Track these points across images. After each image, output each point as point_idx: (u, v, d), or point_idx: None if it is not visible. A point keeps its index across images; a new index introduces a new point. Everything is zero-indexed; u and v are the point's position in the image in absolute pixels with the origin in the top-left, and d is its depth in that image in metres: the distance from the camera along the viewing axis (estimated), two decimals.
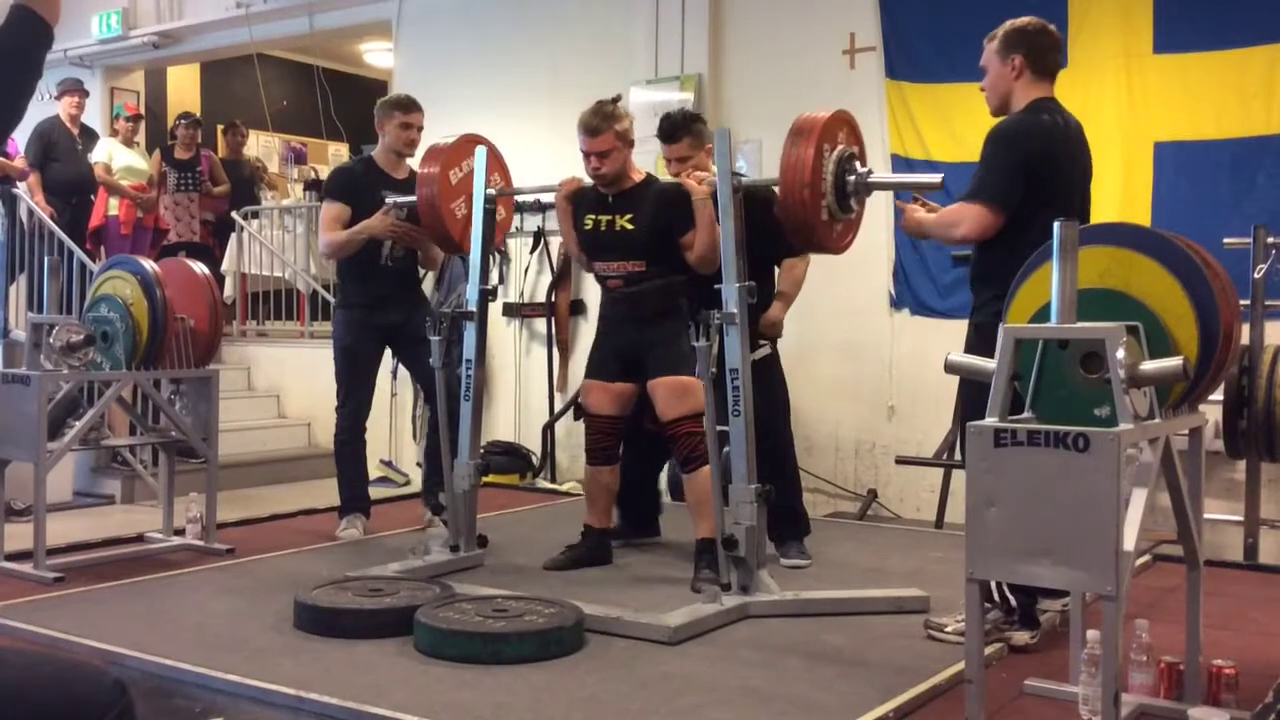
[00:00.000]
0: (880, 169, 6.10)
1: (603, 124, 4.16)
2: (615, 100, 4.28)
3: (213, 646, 3.27)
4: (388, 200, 4.79)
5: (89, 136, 8.37)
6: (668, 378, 4.09)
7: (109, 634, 3.36)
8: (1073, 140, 3.47)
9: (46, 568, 4.15)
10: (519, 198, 5.05)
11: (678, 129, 4.40)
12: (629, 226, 4.19)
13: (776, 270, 4.51)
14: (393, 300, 4.88)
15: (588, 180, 4.34)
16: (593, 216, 4.29)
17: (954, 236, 3.46)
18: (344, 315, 5.01)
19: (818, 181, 3.46)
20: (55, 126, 8.23)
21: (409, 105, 4.94)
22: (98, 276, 4.73)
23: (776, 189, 3.61)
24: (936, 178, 3.64)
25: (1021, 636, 3.26)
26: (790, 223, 3.54)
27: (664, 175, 4.59)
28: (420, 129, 4.97)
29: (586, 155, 4.19)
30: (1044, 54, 3.48)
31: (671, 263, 4.16)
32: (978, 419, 2.41)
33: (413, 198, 4.63)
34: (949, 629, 3.30)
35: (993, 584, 3.22)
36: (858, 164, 3.60)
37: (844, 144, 3.58)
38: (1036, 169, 3.32)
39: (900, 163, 6.06)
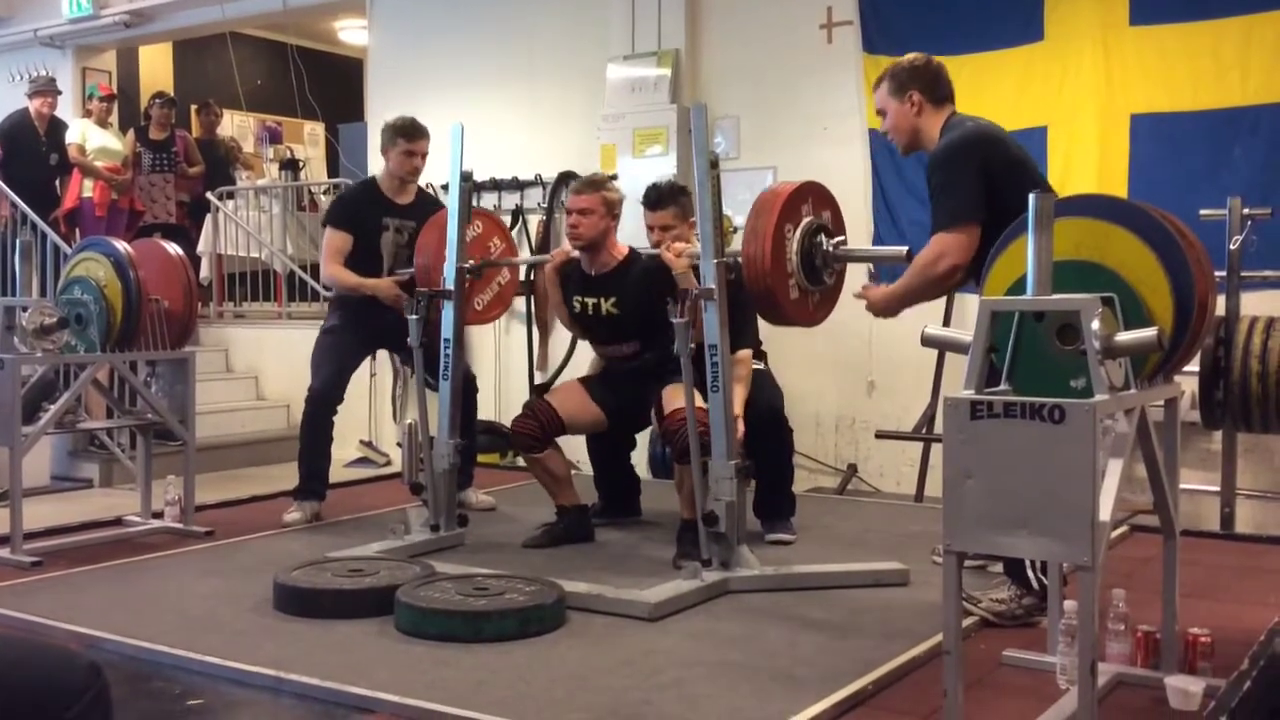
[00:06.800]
0: (858, 144, 6.11)
1: (590, 186, 4.31)
2: (611, 177, 4.37)
3: (192, 629, 3.26)
4: (399, 238, 4.81)
5: (55, 130, 8.28)
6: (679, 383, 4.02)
7: (87, 618, 3.34)
8: (1005, 135, 3.47)
9: (24, 552, 4.12)
10: (497, 175, 5.10)
11: (664, 198, 4.38)
12: (614, 311, 4.26)
13: None
14: (391, 310, 4.69)
15: (576, 253, 4.37)
16: (580, 299, 4.40)
17: (939, 270, 3.31)
18: (339, 308, 4.96)
19: (780, 262, 3.39)
20: (22, 124, 8.17)
21: (413, 133, 4.80)
22: (71, 259, 4.69)
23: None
24: (902, 251, 3.59)
25: (1044, 623, 3.23)
26: (759, 303, 3.53)
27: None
28: (425, 155, 4.86)
29: (569, 213, 4.30)
30: (936, 84, 3.50)
31: (664, 336, 3.99)
32: None
33: (411, 270, 4.62)
34: (981, 605, 3.27)
35: (1027, 567, 3.22)
36: (825, 236, 3.52)
37: (811, 216, 3.51)
38: (991, 173, 3.29)
39: (877, 138, 6.04)
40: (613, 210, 4.32)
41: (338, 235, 4.83)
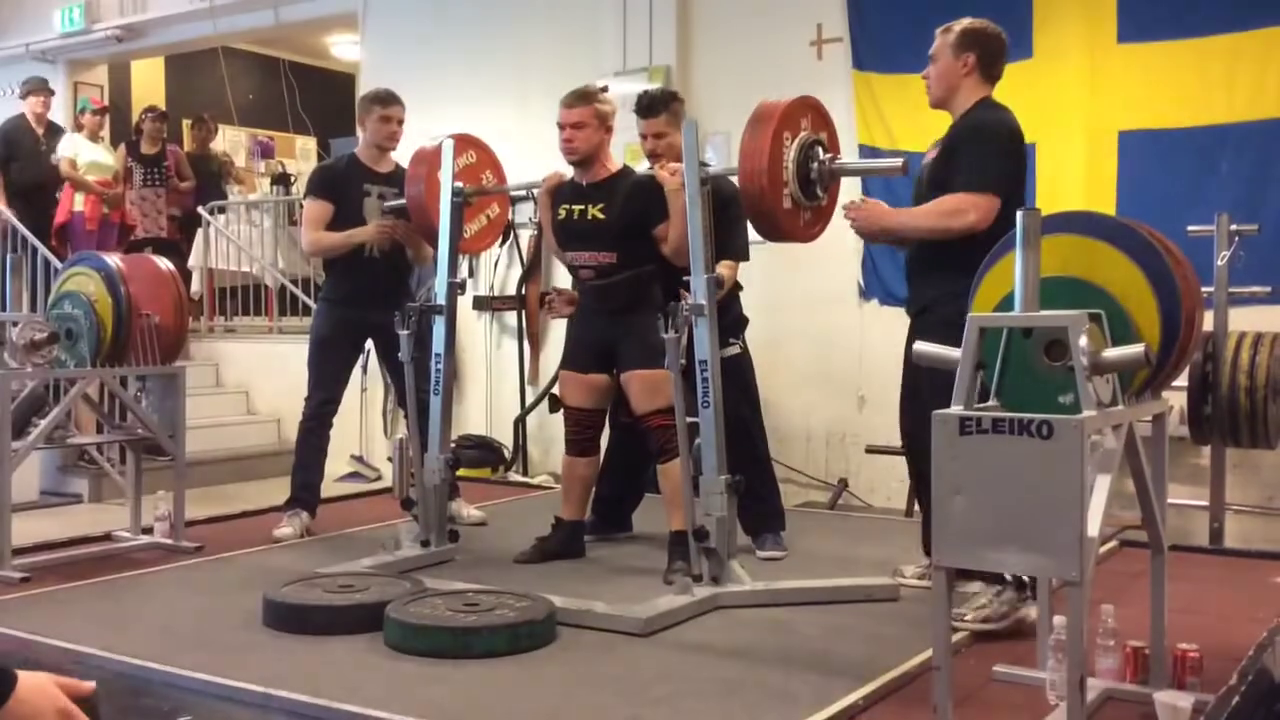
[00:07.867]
0: (849, 159, 6.12)
1: (582, 99, 4.22)
2: (602, 89, 4.35)
3: (181, 645, 3.24)
4: (382, 203, 4.81)
5: (54, 134, 8.29)
6: (641, 371, 4.09)
7: (76, 634, 3.32)
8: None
9: (13, 568, 4.10)
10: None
11: (656, 104, 4.40)
12: (600, 216, 4.20)
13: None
14: (377, 296, 4.73)
15: (569, 174, 4.35)
16: (566, 205, 4.31)
17: (960, 224, 3.42)
18: (324, 308, 4.98)
19: (776, 169, 3.45)
20: (19, 127, 8.16)
21: (388, 99, 4.91)
22: (62, 273, 4.68)
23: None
24: (898, 162, 3.66)
25: (1033, 613, 3.21)
26: (752, 212, 3.54)
27: (635, 163, 4.59)
28: (401, 122, 4.93)
29: (561, 128, 4.21)
30: (995, 59, 3.63)
31: (643, 255, 4.16)
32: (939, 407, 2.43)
33: (402, 200, 4.63)
34: (968, 618, 3.25)
35: None
36: (821, 150, 3.59)
37: (808, 130, 3.57)
38: (1016, 166, 3.54)
39: (868, 153, 6.08)
40: (605, 123, 4.24)
41: (317, 205, 4.84)
